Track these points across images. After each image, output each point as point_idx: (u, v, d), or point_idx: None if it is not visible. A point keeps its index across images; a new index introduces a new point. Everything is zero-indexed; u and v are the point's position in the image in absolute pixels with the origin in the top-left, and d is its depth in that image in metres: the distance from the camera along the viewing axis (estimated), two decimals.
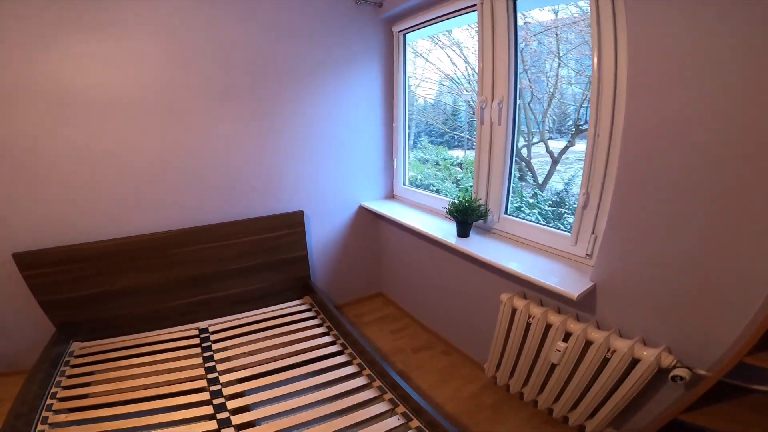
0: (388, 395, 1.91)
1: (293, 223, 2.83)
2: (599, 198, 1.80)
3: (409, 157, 3.24)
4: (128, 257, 2.43)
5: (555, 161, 2.57)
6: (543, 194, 2.64)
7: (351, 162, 3.06)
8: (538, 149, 2.68)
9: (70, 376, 2.11)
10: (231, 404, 1.90)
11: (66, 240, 2.34)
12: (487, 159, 2.33)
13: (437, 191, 3.27)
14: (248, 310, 2.73)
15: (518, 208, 2.60)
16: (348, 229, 3.24)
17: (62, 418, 1.82)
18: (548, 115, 2.59)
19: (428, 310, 3.03)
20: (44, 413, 1.84)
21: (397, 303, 3.42)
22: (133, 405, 1.90)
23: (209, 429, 1.74)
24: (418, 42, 3.14)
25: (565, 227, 2.17)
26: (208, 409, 1.87)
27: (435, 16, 2.53)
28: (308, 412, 1.84)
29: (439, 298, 2.83)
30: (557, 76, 2.41)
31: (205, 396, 1.95)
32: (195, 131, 2.48)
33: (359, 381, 2.01)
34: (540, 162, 2.69)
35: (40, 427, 1.75)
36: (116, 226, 2.43)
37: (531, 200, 2.67)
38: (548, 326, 1.89)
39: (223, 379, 2.06)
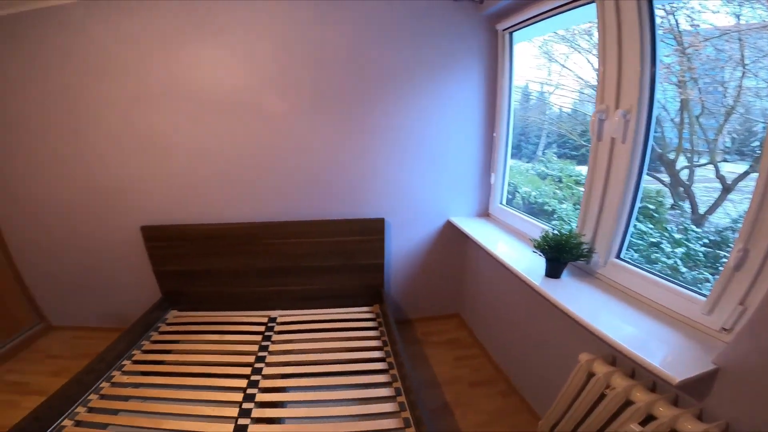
0: (411, 430, 1.69)
1: (373, 230, 2.74)
2: (764, 259, 1.26)
3: (526, 171, 2.85)
4: (224, 242, 2.69)
5: (727, 189, 1.95)
6: (698, 229, 2.04)
7: (442, 173, 2.82)
8: (705, 172, 2.08)
9: (154, 341, 2.40)
10: (261, 396, 1.91)
11: (179, 219, 2.72)
12: (601, 185, 1.83)
13: (552, 212, 2.83)
14: (316, 308, 2.76)
15: (655, 244, 2.06)
16: (431, 244, 3.01)
17: (124, 379, 2.06)
18: (724, 133, 2.01)
19: (500, 344, 2.64)
20: (114, 372, 2.11)
21: (471, 329, 3.07)
22: (184, 378, 2.05)
23: (229, 415, 1.78)
24: (554, 46, 2.74)
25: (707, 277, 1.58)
26: (238, 396, 1.91)
27: (544, 10, 2.10)
28: (324, 425, 1.77)
29: (514, 334, 2.43)
30: (740, 87, 1.84)
31: (243, 383, 2.00)
32: (285, 131, 2.59)
33: (388, 407, 1.84)
34: (706, 188, 2.08)
35: (103, 384, 2.01)
36: (218, 213, 2.72)
37: (678, 235, 2.09)
38: (629, 401, 1.43)
39: (266, 371, 2.10)
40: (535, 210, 3.11)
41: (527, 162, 3.55)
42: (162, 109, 2.51)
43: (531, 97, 3.45)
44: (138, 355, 2.24)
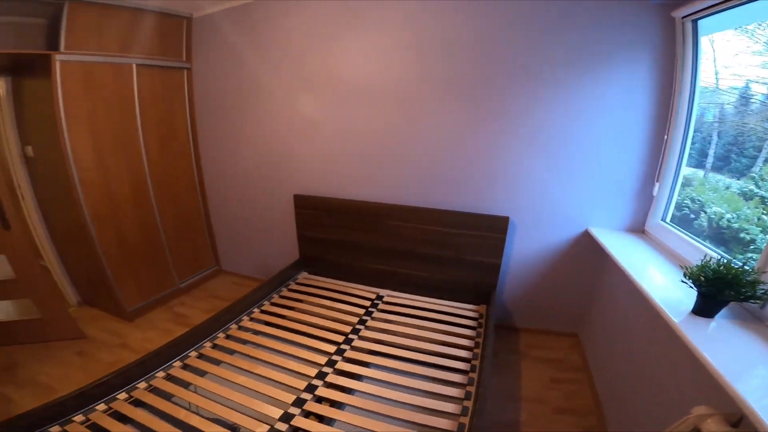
0: None
1: (495, 228, 2.55)
2: None
3: (725, 187, 2.21)
4: (355, 217, 2.93)
5: None
6: None
7: (586, 177, 2.43)
8: None
9: (282, 296, 2.77)
10: (341, 365, 2.01)
11: (322, 192, 3.09)
12: None
13: (749, 242, 2.16)
14: (422, 295, 2.74)
15: None
16: (560, 253, 2.64)
17: (248, 324, 2.42)
18: None
19: (609, 374, 2.18)
20: (245, 317, 2.50)
21: (585, 353, 2.61)
22: (289, 333, 2.29)
23: (307, 373, 1.94)
24: None
25: None
26: (323, 359, 2.06)
27: None
28: (384, 405, 1.76)
29: (628, 366, 1.97)
30: None
31: (332, 348, 2.15)
32: (420, 121, 2.64)
33: (450, 407, 1.74)
34: None
35: (233, 325, 2.40)
36: (355, 190, 2.98)
37: None
38: None
39: (356, 343, 2.20)
40: (726, 236, 2.40)
41: (735, 178, 2.77)
42: (316, 95, 2.87)
43: (753, 100, 2.68)
44: (266, 306, 2.62)
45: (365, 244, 2.95)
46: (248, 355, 2.12)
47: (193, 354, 2.10)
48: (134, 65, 2.83)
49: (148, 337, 2.85)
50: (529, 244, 2.69)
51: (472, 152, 2.59)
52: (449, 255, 2.72)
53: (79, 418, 1.62)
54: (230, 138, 3.33)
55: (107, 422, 1.60)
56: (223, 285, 3.71)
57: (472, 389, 1.85)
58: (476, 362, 2.06)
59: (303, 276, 3.08)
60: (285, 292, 2.81)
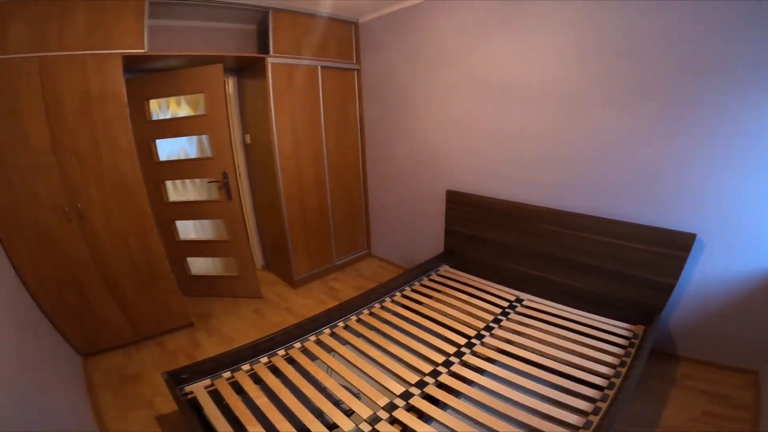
0: None
1: (675, 245, 2.13)
2: None
3: None
4: (507, 217, 2.86)
5: None
6: None
7: None
8: None
9: (422, 285, 2.90)
10: (468, 358, 2.02)
11: (474, 189, 3.11)
12: None
13: None
14: (567, 305, 2.52)
15: None
16: (755, 282, 2.03)
17: (389, 305, 2.61)
18: None
19: None
20: (387, 298, 2.71)
21: (761, 394, 1.98)
22: (422, 319, 2.41)
23: (437, 360, 2.01)
24: None
25: None
26: (451, 349, 2.10)
27: None
28: (502, 403, 1.71)
29: None
30: None
31: (462, 341, 2.17)
32: (586, 123, 2.41)
33: (573, 418, 1.62)
34: None
35: (376, 304, 2.63)
36: (507, 190, 2.91)
37: None
38: None
39: (486, 340, 2.16)
40: None
41: None
42: (472, 95, 2.91)
43: None
44: (407, 291, 2.80)
45: (512, 244, 2.84)
46: (384, 333, 2.30)
47: (341, 324, 2.39)
48: (319, 67, 3.34)
49: (306, 304, 3.35)
50: (715, 268, 2.15)
51: (651, 161, 2.21)
52: (610, 268, 2.39)
53: (245, 367, 2.03)
54: (390, 133, 3.62)
55: (264, 373, 1.96)
56: (369, 267, 4.07)
57: (603, 405, 1.65)
58: (616, 380, 1.82)
59: (444, 269, 3.15)
60: (426, 281, 2.93)
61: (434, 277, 3.01)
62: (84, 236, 2.44)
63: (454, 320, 2.41)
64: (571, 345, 2.12)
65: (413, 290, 2.80)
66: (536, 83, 2.55)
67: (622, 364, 1.96)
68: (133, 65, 2.58)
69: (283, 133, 3.20)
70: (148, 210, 2.60)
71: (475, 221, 3.05)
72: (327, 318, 2.39)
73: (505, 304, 2.57)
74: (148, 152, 3.00)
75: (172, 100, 3.23)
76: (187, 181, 3.42)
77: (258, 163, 3.58)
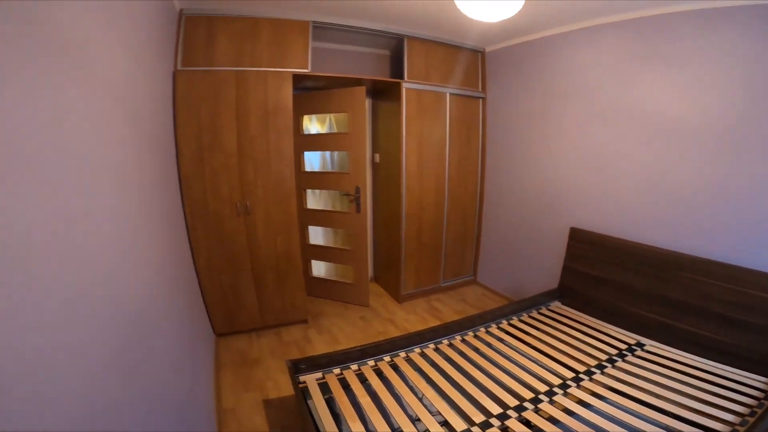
0: None
1: None
2: None
3: None
4: (635, 259, 2.66)
5: None
6: None
7: None
8: None
9: (531, 316, 2.82)
10: (573, 390, 1.92)
11: (601, 228, 2.97)
12: None
13: None
14: (699, 355, 2.23)
15: None
16: None
17: (494, 329, 2.60)
18: None
19: None
20: (493, 324, 2.69)
21: None
22: (529, 349, 2.36)
23: (539, 389, 1.96)
24: None
25: None
26: (556, 380, 2.02)
27: None
28: None
29: None
30: None
31: (569, 374, 2.06)
32: (742, 166, 2.17)
33: None
34: None
35: (482, 328, 2.63)
36: (639, 232, 2.72)
37: None
38: None
39: (596, 377, 2.02)
40: None
41: None
42: (610, 129, 2.81)
43: None
44: (514, 320, 2.74)
45: (639, 289, 2.59)
46: (487, 356, 2.30)
47: (445, 341, 2.46)
48: (447, 94, 3.58)
49: (409, 319, 3.48)
50: None
51: None
52: (751, 320, 2.06)
53: (354, 366, 2.19)
54: (513, 163, 3.65)
55: (369, 374, 2.10)
56: (473, 293, 4.06)
57: None
58: (741, 429, 1.59)
59: (555, 305, 3.00)
60: (535, 314, 2.83)
61: (545, 311, 2.88)
62: (246, 229, 2.92)
63: (563, 354, 2.29)
64: (694, 392, 1.89)
65: (521, 320, 2.72)
66: (689, 121, 2.38)
67: (752, 413, 1.69)
68: (296, 83, 3.00)
69: (411, 155, 3.47)
70: (295, 213, 3.04)
71: (599, 261, 2.88)
72: (433, 334, 2.48)
73: (623, 346, 2.36)
74: (298, 162, 3.52)
75: (317, 117, 3.75)
76: (324, 191, 3.87)
77: (383, 180, 3.89)
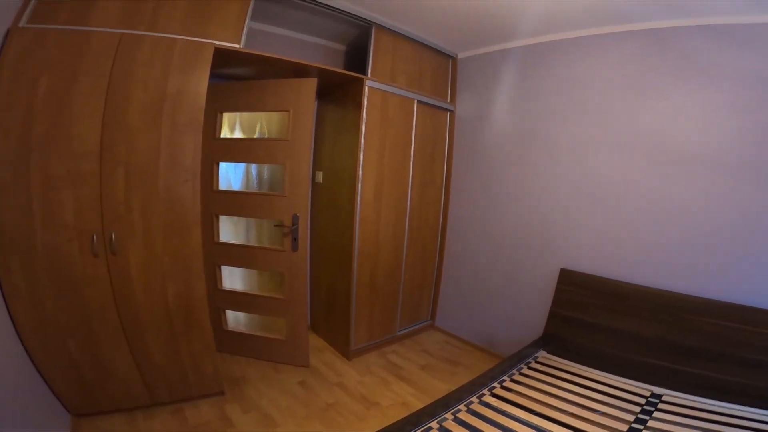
0: None
1: None
2: None
3: None
4: (639, 304, 2.35)
5: None
6: None
7: None
8: None
9: (522, 374, 2.33)
10: None
11: (595, 270, 2.56)
12: None
13: None
14: (717, 399, 2.03)
15: None
16: None
17: (491, 401, 2.01)
18: None
19: None
20: (484, 391, 2.11)
21: None
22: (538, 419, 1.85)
23: None
24: None
25: None
26: None
27: None
28: None
29: None
30: None
31: None
32: None
33: None
34: None
35: (473, 400, 2.03)
36: (645, 275, 2.38)
37: None
38: None
39: None
40: None
41: None
42: (614, 156, 2.40)
43: None
44: (507, 383, 2.23)
45: (644, 333, 2.31)
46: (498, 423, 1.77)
47: (435, 427, 1.87)
48: (416, 101, 2.88)
49: (365, 382, 2.63)
50: None
51: None
52: None
53: None
54: (486, 191, 3.07)
55: None
56: (433, 341, 3.36)
57: None
58: None
59: (543, 355, 2.64)
60: (526, 370, 2.39)
61: (534, 365, 2.48)
62: (110, 275, 1.83)
63: (583, 420, 1.85)
64: None
65: (513, 380, 2.25)
66: (712, 149, 2.06)
67: None
68: (216, 66, 2.06)
69: (368, 177, 2.67)
70: (200, 250, 2.01)
71: (595, 307, 2.51)
72: (416, 419, 1.81)
73: (641, 400, 2.03)
74: (208, 176, 2.47)
75: (243, 117, 2.77)
76: (245, 218, 2.85)
77: (327, 207, 3.00)
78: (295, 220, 2.47)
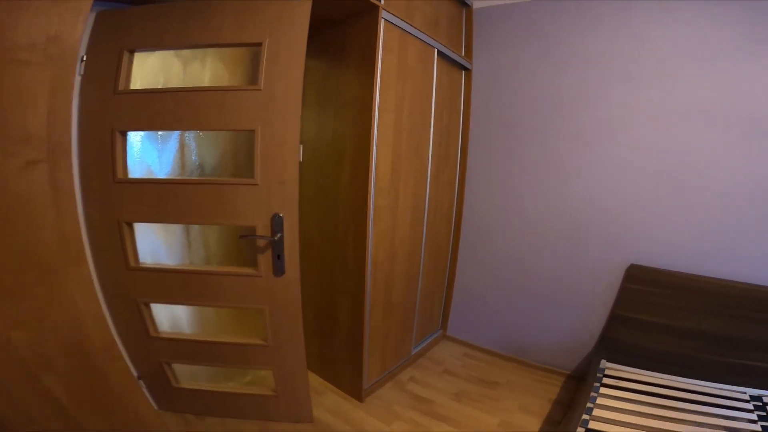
0: None
1: None
2: None
3: None
4: (730, 301, 2.03)
5: None
6: None
7: None
8: None
9: (604, 395, 1.90)
10: None
11: (675, 265, 2.16)
12: None
13: None
14: None
15: None
16: None
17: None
18: None
19: None
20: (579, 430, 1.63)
21: None
22: None
23: None
24: None
25: None
26: None
27: None
28: None
29: None
30: None
31: None
32: None
33: None
34: None
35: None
36: (737, 268, 2.03)
37: None
38: None
39: None
40: None
41: None
42: (690, 132, 1.98)
43: None
44: (596, 411, 1.74)
45: (725, 332, 2.05)
46: None
47: None
48: (436, 52, 2.15)
49: (393, 430, 1.98)
50: None
51: None
52: None
53: None
54: (515, 172, 2.50)
55: None
56: (451, 356, 2.74)
57: None
58: None
59: (609, 366, 2.21)
60: (605, 390, 1.95)
61: (608, 381, 2.04)
62: None
63: None
64: None
65: (599, 406, 1.78)
66: None
67: None
68: None
69: (384, 151, 1.88)
70: (90, 283, 1.48)
71: (669, 306, 2.17)
72: None
73: (748, 406, 1.78)
74: (104, 156, 1.51)
75: (178, 64, 1.77)
76: (184, 225, 1.90)
77: (314, 198, 2.15)
78: (276, 224, 1.60)
